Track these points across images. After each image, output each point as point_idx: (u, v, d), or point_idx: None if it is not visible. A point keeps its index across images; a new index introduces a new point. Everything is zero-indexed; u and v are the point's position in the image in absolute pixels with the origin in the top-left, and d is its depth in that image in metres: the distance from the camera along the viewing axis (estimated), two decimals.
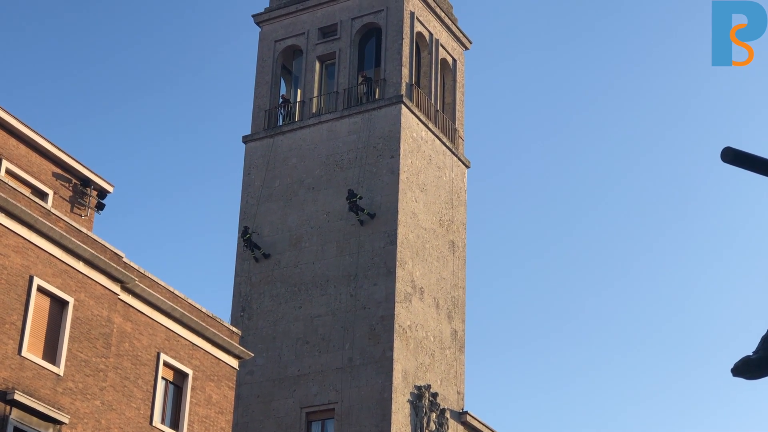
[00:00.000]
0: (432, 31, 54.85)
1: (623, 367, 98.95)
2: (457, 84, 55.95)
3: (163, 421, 35.50)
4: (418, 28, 53.62)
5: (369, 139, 50.44)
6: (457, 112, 55.28)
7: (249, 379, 47.90)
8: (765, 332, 8.90)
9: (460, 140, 54.85)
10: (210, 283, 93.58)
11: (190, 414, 36.19)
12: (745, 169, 8.98)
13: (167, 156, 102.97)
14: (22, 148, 36.32)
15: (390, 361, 46.06)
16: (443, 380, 48.90)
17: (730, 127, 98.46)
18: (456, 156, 53.98)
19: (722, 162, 8.91)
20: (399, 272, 47.67)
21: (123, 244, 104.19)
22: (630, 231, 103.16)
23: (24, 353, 30.91)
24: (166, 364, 35.83)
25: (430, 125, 52.43)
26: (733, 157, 8.87)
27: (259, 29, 55.69)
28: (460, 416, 49.24)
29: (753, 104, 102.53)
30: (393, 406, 45.39)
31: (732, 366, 8.92)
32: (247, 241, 50.04)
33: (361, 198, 48.58)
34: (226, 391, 37.94)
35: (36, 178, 36.60)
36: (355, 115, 51.27)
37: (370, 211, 48.52)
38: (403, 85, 51.35)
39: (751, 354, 8.91)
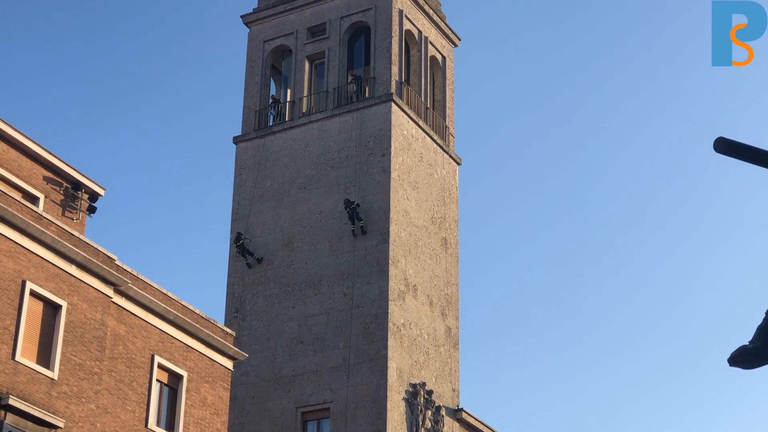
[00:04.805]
0: (421, 29, 54.82)
1: (619, 362, 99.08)
2: (447, 81, 55.93)
3: (158, 424, 35.45)
4: (406, 25, 53.59)
5: (360, 137, 50.40)
6: (447, 110, 55.26)
7: (244, 379, 47.85)
8: (761, 322, 8.91)
9: (450, 137, 54.83)
10: (203, 284, 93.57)
11: (185, 416, 36.14)
12: (736, 158, 8.98)
13: (158, 158, 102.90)
14: (12, 152, 36.20)
15: (384, 359, 46.03)
16: (438, 378, 48.89)
17: (730, 128, 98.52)
18: (447, 153, 53.97)
19: (715, 152, 8.91)
20: (392, 270, 47.64)
21: (115, 246, 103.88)
22: (624, 229, 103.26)
23: (18, 358, 30.84)
24: (161, 366, 35.77)
25: (421, 123, 52.40)
26: (725, 147, 8.86)
27: (248, 30, 55.63)
28: (456, 413, 49.24)
29: (753, 104, 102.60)
30: (388, 405, 45.38)
31: (729, 356, 8.94)
32: (240, 247, 49.86)
33: (359, 205, 48.37)
34: (221, 392, 37.88)
35: (27, 182, 36.48)
36: (346, 114, 51.21)
37: (365, 225, 48.27)
38: (393, 83, 51.31)
39: (748, 344, 8.93)
